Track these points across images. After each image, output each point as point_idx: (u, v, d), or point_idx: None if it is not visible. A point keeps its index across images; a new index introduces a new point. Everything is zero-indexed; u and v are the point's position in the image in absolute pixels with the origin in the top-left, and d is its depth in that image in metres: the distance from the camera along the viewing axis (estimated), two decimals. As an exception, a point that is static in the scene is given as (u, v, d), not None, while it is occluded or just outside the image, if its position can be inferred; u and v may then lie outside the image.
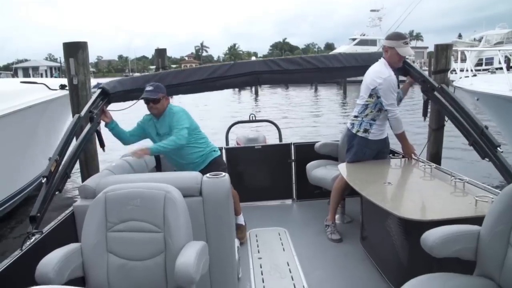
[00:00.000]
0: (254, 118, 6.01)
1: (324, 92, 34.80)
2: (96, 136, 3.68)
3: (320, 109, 22.22)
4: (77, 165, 3.65)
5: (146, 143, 3.55)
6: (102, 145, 3.72)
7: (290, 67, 3.74)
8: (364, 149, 3.74)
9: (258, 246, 3.85)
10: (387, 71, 3.55)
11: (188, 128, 3.42)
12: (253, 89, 34.10)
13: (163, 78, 3.75)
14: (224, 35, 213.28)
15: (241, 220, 3.90)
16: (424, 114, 3.99)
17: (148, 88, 3.44)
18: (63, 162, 3.02)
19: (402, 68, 3.71)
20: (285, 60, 3.77)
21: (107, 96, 3.68)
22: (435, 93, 3.47)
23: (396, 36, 3.58)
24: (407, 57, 3.69)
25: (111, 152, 4.73)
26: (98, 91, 3.66)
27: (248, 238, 4.00)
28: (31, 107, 6.25)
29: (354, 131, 3.76)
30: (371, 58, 3.83)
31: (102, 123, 3.61)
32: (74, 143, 3.27)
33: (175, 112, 3.47)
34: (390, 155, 3.86)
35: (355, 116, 3.77)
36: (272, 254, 3.68)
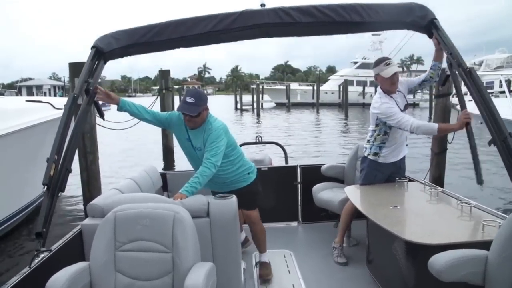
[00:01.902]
0: (260, 140, 6.02)
1: (325, 114, 34.93)
2: (95, 108, 3.41)
3: (324, 132, 22.25)
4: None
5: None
6: (102, 115, 3.51)
7: (303, 19, 3.21)
8: (375, 172, 3.79)
9: None
10: (380, 99, 3.62)
11: (222, 151, 3.16)
12: (255, 111, 34.30)
13: (163, 31, 3.30)
14: (229, 57, 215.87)
15: (265, 257, 3.73)
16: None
17: (188, 99, 3.08)
18: (61, 157, 2.79)
19: (427, 28, 3.22)
20: (297, 11, 3.21)
21: (102, 55, 3.28)
22: (461, 71, 2.95)
23: (377, 62, 3.63)
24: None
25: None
26: (92, 51, 3.22)
27: (254, 259, 3.97)
28: (36, 126, 6.29)
29: (365, 154, 3.87)
30: (395, 12, 3.26)
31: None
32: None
33: (213, 130, 3.18)
34: (397, 178, 3.84)
35: (368, 141, 3.87)
36: (278, 276, 3.66)
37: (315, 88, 44.13)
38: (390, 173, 3.83)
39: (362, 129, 22.94)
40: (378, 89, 3.74)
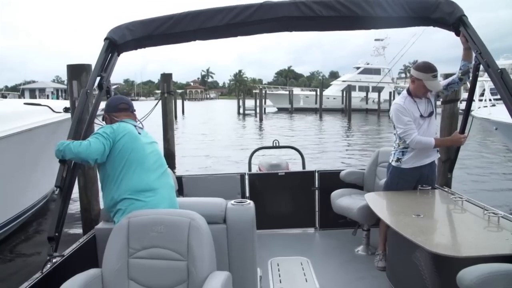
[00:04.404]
0: (277, 144, 5.93)
1: (329, 120, 34.83)
2: None
3: (327, 137, 22.14)
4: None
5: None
6: None
7: (325, 13, 3.07)
8: (396, 180, 3.63)
9: (280, 276, 3.71)
10: (399, 100, 3.54)
11: (96, 143, 2.47)
12: (258, 115, 34.26)
13: (178, 23, 3.14)
14: (237, 63, 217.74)
15: None
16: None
17: None
18: None
19: (455, 25, 3.06)
20: (319, 4, 3.08)
21: (116, 47, 3.16)
22: (491, 72, 2.74)
23: (425, 68, 3.43)
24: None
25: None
26: (105, 43, 3.08)
27: (270, 266, 3.87)
28: (32, 130, 6.05)
29: (390, 160, 3.74)
30: (421, 7, 3.10)
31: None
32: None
33: None
34: (419, 186, 3.64)
35: (393, 147, 3.74)
36: (294, 284, 3.55)
37: (317, 93, 44.09)
38: (415, 182, 3.62)
39: (366, 135, 22.87)
40: (404, 91, 3.64)
